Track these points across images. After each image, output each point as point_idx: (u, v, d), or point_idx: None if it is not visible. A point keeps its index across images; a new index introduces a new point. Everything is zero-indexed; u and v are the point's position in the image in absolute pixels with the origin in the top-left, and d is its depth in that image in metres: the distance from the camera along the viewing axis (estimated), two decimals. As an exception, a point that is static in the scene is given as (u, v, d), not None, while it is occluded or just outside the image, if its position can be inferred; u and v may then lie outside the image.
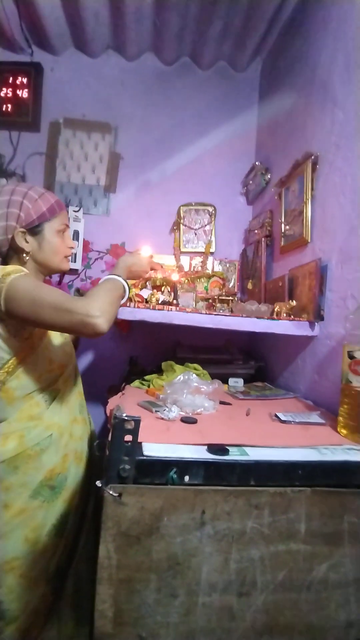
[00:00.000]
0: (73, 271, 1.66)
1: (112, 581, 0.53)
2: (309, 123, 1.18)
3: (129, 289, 0.89)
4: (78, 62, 1.72)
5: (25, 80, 1.66)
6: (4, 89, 1.66)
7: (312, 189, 1.11)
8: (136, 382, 1.15)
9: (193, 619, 0.56)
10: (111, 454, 0.54)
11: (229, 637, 0.58)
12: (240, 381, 1.20)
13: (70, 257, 1.00)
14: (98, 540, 0.54)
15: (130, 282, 0.98)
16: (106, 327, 0.75)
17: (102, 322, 0.73)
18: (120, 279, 0.87)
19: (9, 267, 0.83)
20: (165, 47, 1.64)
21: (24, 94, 1.66)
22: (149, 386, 1.10)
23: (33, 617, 0.84)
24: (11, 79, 1.66)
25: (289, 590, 0.58)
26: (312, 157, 1.10)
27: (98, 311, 0.73)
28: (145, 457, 0.56)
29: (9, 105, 1.66)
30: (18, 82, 1.66)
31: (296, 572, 0.58)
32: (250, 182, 1.65)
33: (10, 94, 1.66)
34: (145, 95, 1.73)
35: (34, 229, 0.90)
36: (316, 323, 1.04)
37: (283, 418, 0.81)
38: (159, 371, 1.19)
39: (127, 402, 0.91)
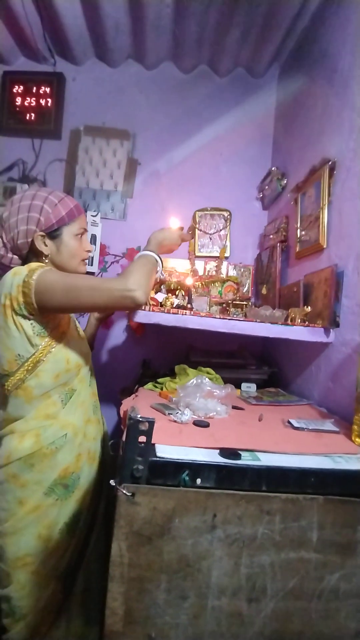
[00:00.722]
0: (88, 274, 1.70)
1: (124, 579, 0.54)
2: (326, 129, 1.18)
3: (162, 261, 0.96)
4: (99, 71, 1.77)
5: (48, 89, 1.72)
6: (28, 98, 1.73)
7: (329, 195, 1.10)
8: (149, 385, 1.17)
9: (202, 621, 0.56)
10: (125, 454, 0.55)
11: (238, 643, 0.58)
12: (253, 386, 1.20)
13: (87, 261, 1.03)
14: (109, 539, 0.55)
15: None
16: (144, 298, 0.83)
17: (140, 295, 0.81)
18: (152, 253, 0.94)
19: (33, 264, 0.87)
20: (183, 55, 1.67)
21: (47, 103, 1.72)
22: (162, 389, 1.11)
23: (42, 614, 0.86)
24: (35, 88, 1.72)
25: (299, 598, 0.57)
26: (330, 163, 1.09)
27: (135, 285, 0.81)
28: (158, 459, 0.57)
29: (33, 114, 1.73)
30: (41, 91, 1.72)
31: (307, 580, 0.57)
32: (266, 187, 1.65)
33: (34, 103, 1.72)
34: (163, 103, 1.76)
35: (52, 233, 0.93)
36: (331, 330, 1.03)
37: (296, 425, 0.80)
38: (172, 374, 1.20)
39: (140, 404, 0.92)
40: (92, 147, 1.73)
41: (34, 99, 1.73)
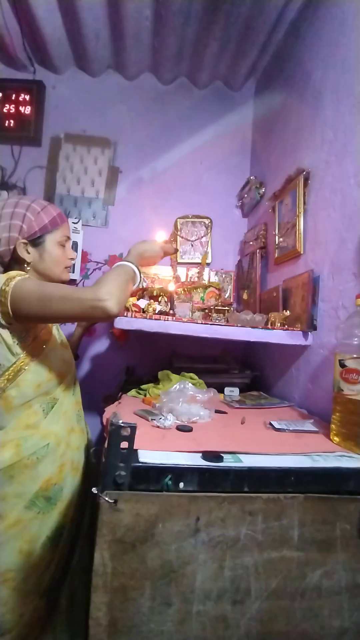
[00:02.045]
0: (71, 281, 1.68)
1: (107, 589, 0.53)
2: (300, 141, 1.23)
3: (140, 273, 0.92)
4: (79, 80, 1.78)
5: (27, 97, 1.71)
6: (7, 105, 1.71)
7: (304, 203, 1.15)
8: (132, 392, 1.16)
9: (188, 627, 0.56)
10: (107, 460, 0.55)
11: (223, 647, 0.58)
12: (236, 390, 1.21)
13: (70, 268, 1.02)
14: (93, 549, 0.54)
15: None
16: (116, 309, 0.78)
17: (112, 305, 0.76)
18: (129, 264, 0.90)
19: (12, 272, 0.86)
20: (163, 67, 1.70)
21: (26, 110, 1.71)
22: (145, 395, 1.11)
23: (27, 629, 0.83)
24: (14, 95, 1.71)
25: (282, 597, 0.58)
26: (304, 173, 1.14)
27: (107, 295, 0.77)
28: (140, 464, 0.57)
29: (12, 121, 1.71)
30: (21, 98, 1.71)
31: (290, 579, 0.58)
32: (245, 195, 1.70)
33: (13, 110, 1.71)
34: (144, 112, 1.79)
35: (35, 240, 0.92)
36: (309, 332, 1.06)
37: (277, 426, 0.82)
38: (155, 380, 1.20)
39: (124, 410, 0.91)
40: (72, 155, 1.73)
41: (14, 105, 1.71)
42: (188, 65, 1.70)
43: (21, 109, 1.71)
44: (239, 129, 1.81)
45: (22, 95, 1.71)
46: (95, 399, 1.39)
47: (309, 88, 1.18)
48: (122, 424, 0.54)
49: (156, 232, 1.08)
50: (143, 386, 1.17)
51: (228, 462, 0.60)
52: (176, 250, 1.04)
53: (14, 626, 0.81)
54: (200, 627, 0.56)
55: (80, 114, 1.76)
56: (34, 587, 0.83)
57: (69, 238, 1.00)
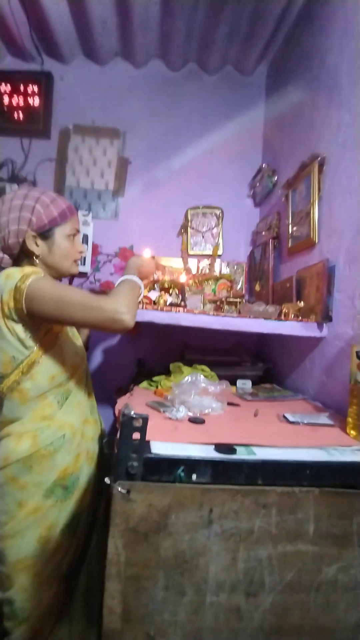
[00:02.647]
0: (82, 274, 1.69)
1: (121, 577, 0.54)
2: (315, 125, 1.18)
3: (143, 287, 0.95)
4: (87, 70, 1.76)
5: (36, 88, 1.70)
6: (16, 97, 1.71)
7: (319, 190, 1.11)
8: (144, 383, 1.16)
9: (201, 618, 0.56)
10: (120, 451, 0.55)
11: (236, 638, 0.57)
12: (249, 383, 1.20)
13: (79, 261, 1.02)
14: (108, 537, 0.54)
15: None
16: (132, 322, 0.81)
17: (130, 318, 0.80)
18: (136, 278, 0.92)
19: (27, 269, 0.86)
20: (172, 53, 1.66)
21: (35, 102, 1.70)
22: (157, 387, 1.10)
23: (45, 616, 0.85)
24: (22, 87, 1.71)
25: (297, 591, 0.57)
26: (319, 159, 1.10)
27: (125, 307, 0.80)
28: (153, 455, 0.57)
29: (21, 113, 1.71)
30: (29, 90, 1.70)
31: (305, 573, 0.57)
32: (257, 184, 1.66)
33: (22, 103, 1.71)
34: (152, 101, 1.75)
35: (44, 233, 0.92)
36: (324, 324, 1.03)
37: (291, 419, 0.80)
38: (167, 373, 1.20)
39: (136, 402, 0.91)
40: (81, 146, 1.72)
41: (22, 97, 1.71)
42: (197, 49, 1.65)
43: (30, 101, 1.71)
44: (251, 116, 1.76)
45: (31, 86, 1.70)
46: (108, 390, 1.40)
47: (324, 70, 1.13)
48: (134, 415, 0.54)
49: (143, 249, 1.12)
50: (155, 378, 1.17)
51: (241, 454, 0.60)
52: (164, 267, 1.13)
53: (33, 613, 0.83)
54: (213, 618, 0.56)
55: (88, 105, 1.74)
56: (52, 573, 0.85)
57: (78, 231, 0.99)
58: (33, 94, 1.71)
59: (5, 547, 0.83)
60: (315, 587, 0.58)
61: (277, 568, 0.57)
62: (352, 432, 0.72)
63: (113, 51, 1.70)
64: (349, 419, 0.74)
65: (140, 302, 1.07)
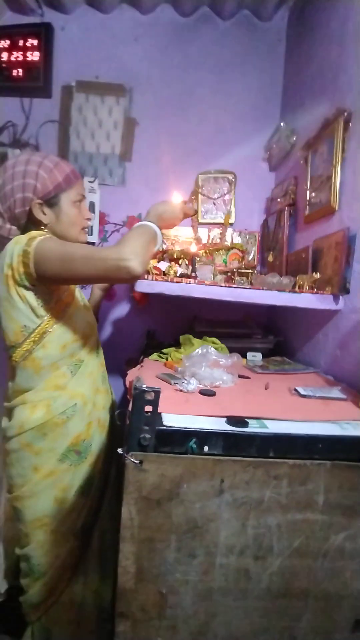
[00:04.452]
0: (89, 244, 1.65)
1: (135, 540, 0.56)
2: (341, 77, 1.07)
3: (161, 234, 0.89)
4: (90, 18, 1.61)
5: (35, 42, 1.57)
6: (14, 52, 1.58)
7: (342, 151, 1.02)
8: (154, 355, 1.16)
9: (211, 578, 0.59)
10: (132, 424, 0.55)
11: (245, 597, 0.60)
12: (259, 355, 1.19)
13: (87, 229, 0.99)
14: (120, 501, 0.56)
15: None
16: (141, 269, 0.76)
17: (136, 265, 0.75)
18: (151, 224, 0.86)
19: (33, 232, 0.85)
20: (183, -5, 1.50)
21: (34, 56, 1.58)
22: (167, 359, 1.10)
23: (60, 571, 0.90)
24: (21, 42, 1.57)
25: (304, 556, 0.59)
26: (345, 114, 1.01)
27: (131, 254, 0.75)
28: (165, 427, 0.57)
29: (20, 70, 1.59)
30: (28, 44, 1.58)
31: (312, 540, 0.59)
32: (274, 145, 1.55)
33: (20, 58, 1.58)
34: (161, 52, 1.61)
35: (50, 200, 0.89)
36: (341, 296, 1.00)
37: (303, 392, 0.80)
38: (177, 345, 1.19)
39: (146, 374, 0.92)
40: (85, 106, 1.62)
41: (21, 53, 1.58)
42: (211, -10, 1.49)
43: (29, 55, 1.58)
44: (269, 68, 1.61)
45: (30, 40, 1.57)
46: (117, 361, 1.41)
47: (351, 14, 1.01)
48: (146, 389, 0.53)
49: (172, 192, 1.01)
50: (164, 350, 1.17)
51: (253, 427, 0.59)
52: (196, 212, 0.98)
53: (49, 568, 0.89)
54: (223, 579, 0.59)
55: (92, 58, 1.61)
56: (68, 530, 0.90)
57: (84, 197, 0.95)
58: (32, 48, 1.58)
59: (23, 507, 0.88)
60: (322, 553, 0.59)
61: (286, 534, 0.59)
62: (366, 407, 0.71)
63: (118, -5, 1.55)
64: (363, 394, 0.72)
65: (148, 272, 1.04)
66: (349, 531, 0.59)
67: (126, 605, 0.58)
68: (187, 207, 0.99)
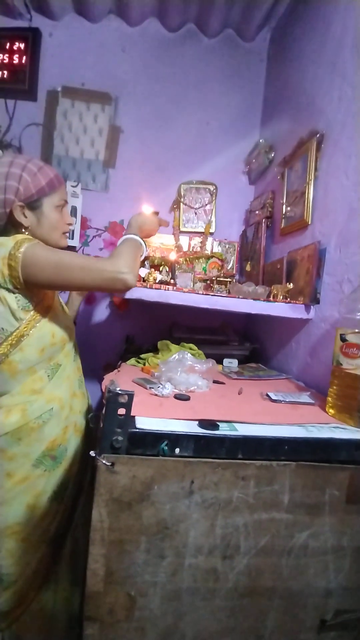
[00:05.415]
0: (70, 249, 1.65)
1: (104, 542, 0.56)
2: (316, 99, 1.14)
3: (145, 245, 0.96)
4: (78, 27, 1.63)
5: (22, 45, 1.58)
6: (1, 55, 1.59)
7: (315, 170, 1.09)
8: (132, 360, 1.17)
9: (179, 578, 0.60)
10: (105, 426, 0.56)
11: (212, 597, 0.62)
12: (235, 362, 1.22)
13: (68, 234, 0.99)
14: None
15: None
16: (134, 282, 0.83)
17: (131, 278, 0.82)
18: (137, 237, 0.93)
19: (19, 236, 0.85)
20: (169, 11, 1.55)
21: (21, 60, 1.59)
22: (144, 364, 1.11)
23: (31, 579, 0.88)
24: (8, 44, 1.58)
25: (270, 554, 0.61)
26: (317, 136, 1.07)
27: (126, 267, 0.81)
28: (137, 430, 0.58)
29: (5, 72, 1.59)
30: (15, 47, 1.58)
31: (278, 538, 0.61)
32: (254, 160, 1.61)
33: (6, 60, 1.59)
34: (147, 63, 1.66)
35: (32, 204, 0.89)
36: (312, 306, 1.05)
37: (274, 397, 0.83)
38: (155, 350, 1.21)
39: (123, 379, 0.92)
40: (71, 111, 1.63)
41: (7, 55, 1.59)
42: (196, 9, 1.55)
43: (15, 58, 1.59)
44: (250, 86, 1.69)
45: (17, 43, 1.58)
46: (96, 366, 1.41)
47: (328, 40, 1.08)
48: (120, 392, 0.55)
49: (142, 205, 1.08)
50: (142, 355, 1.18)
51: (224, 430, 0.62)
52: (168, 223, 1.09)
53: (19, 577, 0.87)
54: (191, 579, 0.60)
55: (78, 65, 1.63)
56: (40, 538, 0.89)
57: (66, 202, 0.96)
58: (19, 51, 1.59)
59: (-7, 514, 0.85)
60: (287, 551, 0.62)
61: (252, 534, 0.61)
62: (331, 411, 0.75)
63: (107, 7, 1.58)
64: (329, 399, 0.76)
65: (142, 261, 1.07)
66: (312, 529, 0.62)
67: (94, 608, 0.58)
68: (161, 219, 1.06)
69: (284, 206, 1.29)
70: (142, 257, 0.94)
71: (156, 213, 1.06)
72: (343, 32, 1.00)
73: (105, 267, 0.81)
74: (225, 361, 1.21)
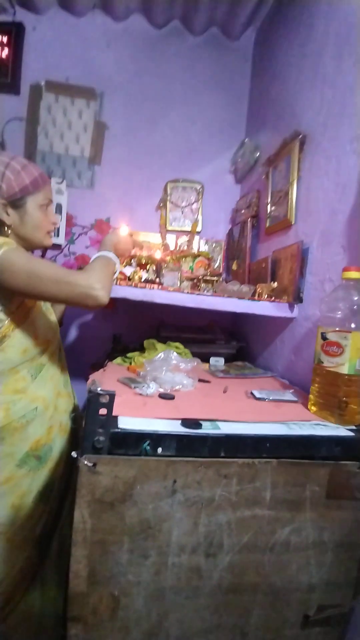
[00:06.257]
0: (56, 246, 1.62)
1: (87, 543, 0.56)
2: (299, 100, 1.15)
3: (119, 264, 0.94)
4: (62, 21, 1.61)
5: (5, 39, 1.55)
6: (-18, 47, 1.55)
7: (298, 170, 1.10)
8: (118, 359, 1.17)
9: (163, 577, 0.60)
10: (87, 427, 0.55)
11: (196, 595, 0.62)
12: (221, 360, 1.23)
13: (52, 233, 0.98)
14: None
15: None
16: (106, 299, 0.80)
17: (104, 295, 0.79)
18: (111, 255, 0.91)
19: (0, 240, 0.82)
20: (155, 8, 1.54)
21: (3, 53, 1.55)
22: (130, 363, 1.11)
23: (17, 580, 0.87)
24: (-10, 36, 1.54)
25: (253, 551, 0.62)
26: (300, 137, 1.08)
27: (99, 283, 0.79)
28: (119, 430, 0.58)
29: (-13, 65, 1.56)
30: (-3, 40, 1.55)
31: (260, 535, 0.62)
32: (239, 159, 1.62)
33: (-12, 53, 1.55)
34: (132, 59, 1.64)
35: (15, 202, 0.87)
36: (295, 305, 1.06)
37: (258, 395, 0.84)
38: (142, 349, 1.21)
39: (108, 378, 0.92)
40: (55, 106, 1.60)
41: (-11, 48, 1.55)
42: (182, 6, 1.54)
43: (-3, 51, 1.55)
44: (236, 85, 1.69)
45: (0, 37, 1.54)
46: (83, 365, 1.39)
47: (311, 41, 1.09)
48: (101, 392, 0.54)
49: (120, 225, 1.10)
50: (129, 354, 1.18)
51: (206, 429, 0.62)
52: (142, 246, 1.11)
53: (5, 578, 0.86)
54: (175, 578, 0.60)
55: (62, 59, 1.61)
56: (25, 538, 0.88)
57: (51, 201, 0.95)
58: (2, 44, 1.55)
59: (-23, 515, 0.84)
60: (269, 547, 0.63)
61: (235, 531, 0.61)
62: (313, 408, 0.76)
63: (91, 2, 1.56)
64: (311, 396, 0.77)
65: (115, 278, 1.06)
66: (294, 525, 0.63)
67: (78, 609, 0.57)
68: (136, 240, 1.08)
69: (269, 206, 1.30)
70: (116, 275, 0.93)
71: (130, 234, 1.06)
72: (324, 35, 1.01)
73: (77, 282, 0.78)
74: (212, 360, 1.21)
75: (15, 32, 1.55)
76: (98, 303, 0.79)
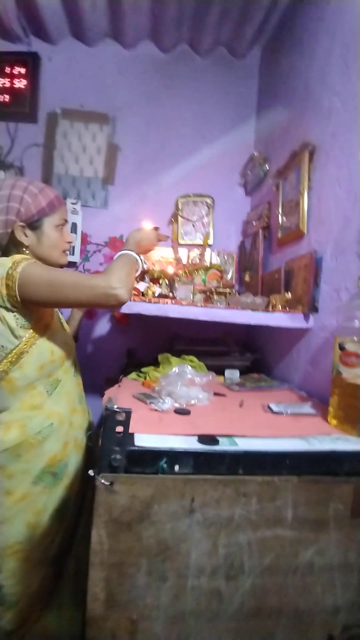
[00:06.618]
0: (71, 264, 1.67)
1: (104, 565, 0.55)
2: (307, 112, 1.16)
3: (142, 260, 0.97)
4: (75, 50, 1.69)
5: (22, 70, 1.65)
6: (1, 79, 1.65)
7: (308, 180, 1.10)
8: (133, 374, 1.17)
9: (182, 601, 0.58)
10: (103, 445, 0.55)
11: (217, 619, 0.60)
12: (237, 373, 1.21)
13: (68, 251, 1.01)
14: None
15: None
16: (127, 296, 0.83)
17: (124, 293, 0.82)
18: (132, 252, 0.94)
19: (17, 256, 0.87)
20: (163, 34, 1.61)
21: (21, 84, 1.65)
22: (145, 378, 1.11)
23: (33, 600, 0.87)
24: (8, 69, 1.64)
25: (275, 574, 0.60)
26: (309, 147, 1.09)
27: (118, 283, 0.81)
28: (136, 448, 0.57)
29: (7, 96, 1.65)
30: (15, 72, 1.64)
31: (282, 556, 0.59)
32: (249, 172, 1.64)
33: (7, 84, 1.65)
34: (143, 84, 1.70)
35: (33, 224, 0.91)
36: (310, 315, 1.04)
37: (275, 409, 0.82)
38: (156, 363, 1.21)
39: (123, 393, 0.92)
40: (70, 132, 1.68)
41: (8, 79, 1.65)
42: (189, 30, 1.60)
43: (16, 83, 1.65)
44: (243, 101, 1.73)
45: (17, 68, 1.64)
46: (98, 381, 1.40)
47: (317, 54, 1.11)
48: (117, 409, 0.54)
49: (143, 220, 1.09)
50: (143, 369, 1.18)
51: (224, 445, 0.61)
52: (168, 237, 1.11)
53: (22, 597, 0.85)
54: (194, 601, 0.58)
55: (77, 88, 1.69)
56: (41, 557, 0.87)
57: (66, 221, 0.99)
58: (20, 75, 1.65)
59: (-7, 534, 0.84)
60: (292, 570, 0.60)
61: (256, 552, 0.59)
62: (333, 421, 0.74)
63: (102, 32, 1.64)
64: (330, 409, 0.75)
65: (137, 276, 1.08)
66: (318, 546, 0.60)
67: (96, 632, 0.56)
68: (160, 234, 1.07)
69: (280, 216, 1.30)
70: (139, 272, 0.94)
71: (156, 228, 1.07)
72: (330, 46, 1.03)
73: (97, 284, 0.81)
74: (227, 372, 1.20)
75: (32, 63, 1.65)
76: (119, 301, 0.82)
